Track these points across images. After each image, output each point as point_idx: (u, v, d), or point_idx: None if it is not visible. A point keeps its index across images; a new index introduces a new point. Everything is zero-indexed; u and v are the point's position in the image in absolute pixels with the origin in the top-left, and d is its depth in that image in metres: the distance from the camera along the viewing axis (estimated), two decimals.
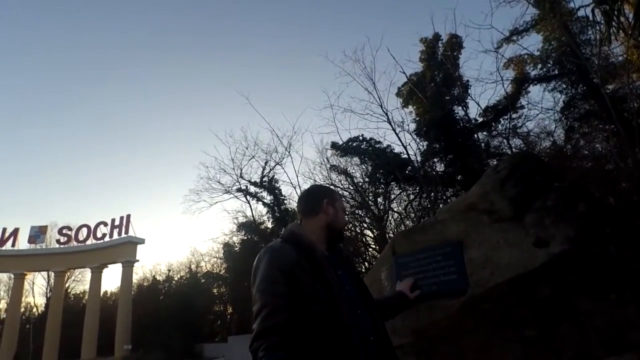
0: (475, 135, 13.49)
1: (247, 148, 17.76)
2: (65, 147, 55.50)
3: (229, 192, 18.01)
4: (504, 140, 12.83)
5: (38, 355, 23.76)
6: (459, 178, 14.19)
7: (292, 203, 16.89)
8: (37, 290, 31.15)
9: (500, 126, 13.50)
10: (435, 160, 15.20)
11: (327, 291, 1.26)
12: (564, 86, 11.93)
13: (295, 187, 16.76)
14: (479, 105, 13.79)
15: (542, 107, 12.48)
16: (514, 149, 12.01)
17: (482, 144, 13.35)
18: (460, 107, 14.34)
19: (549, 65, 11.92)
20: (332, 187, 17.30)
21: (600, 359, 1.58)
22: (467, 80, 14.28)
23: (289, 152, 16.97)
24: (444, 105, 14.02)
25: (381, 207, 16.86)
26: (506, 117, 12.96)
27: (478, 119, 13.94)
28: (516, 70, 12.45)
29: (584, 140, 10.96)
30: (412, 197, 16.32)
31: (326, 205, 1.53)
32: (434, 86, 14.47)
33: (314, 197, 1.58)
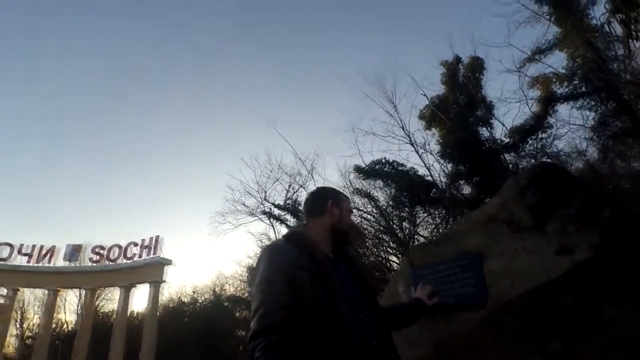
0: (502, 157, 13.12)
1: (271, 171, 18.08)
2: (99, 170, 58.76)
3: (253, 214, 18.24)
4: (533, 161, 12.38)
5: None
6: (486, 200, 13.72)
7: None
8: (68, 307, 32.15)
9: (528, 146, 13.07)
10: (461, 182, 14.84)
11: (327, 292, 1.25)
12: (593, 103, 11.45)
13: None
14: (504, 126, 13.50)
15: (571, 126, 12.01)
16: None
17: (510, 165, 12.94)
18: (485, 128, 14.08)
19: (576, 82, 11.51)
20: (355, 210, 17.29)
21: None
22: (491, 101, 14.10)
23: (311, 175, 17.13)
24: (468, 126, 13.83)
25: (407, 232, 16.45)
26: (534, 137, 12.56)
27: (504, 139, 13.61)
28: (541, 89, 12.15)
29: (620, 159, 10.35)
30: (438, 220, 15.87)
31: (331, 206, 1.52)
32: (457, 107, 14.36)
33: (319, 198, 1.58)
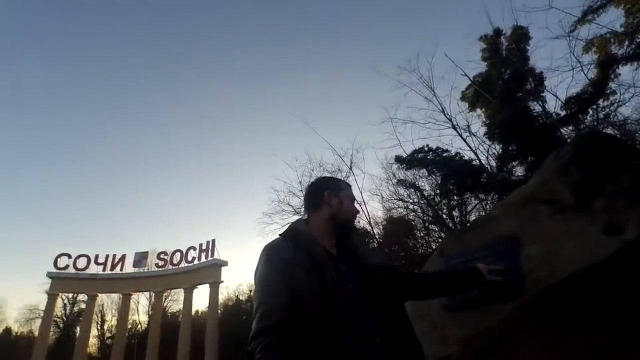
0: (559, 132, 11.88)
1: (312, 170, 18.22)
2: (155, 182, 63.71)
3: (298, 213, 18.54)
4: None
5: None
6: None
7: (361, 221, 16.62)
8: (140, 309, 35.37)
9: (588, 117, 11.68)
10: (513, 164, 13.75)
11: (323, 290, 1.20)
12: None
13: (360, 204, 16.54)
14: (557, 98, 12.20)
15: (637, 89, 10.46)
16: None
17: (568, 140, 11.70)
18: (536, 102, 12.87)
19: (638, 40, 9.99)
20: (400, 202, 16.81)
21: None
22: (540, 72, 12.79)
23: (351, 170, 16.94)
24: (517, 102, 12.72)
25: (457, 221, 15.67)
26: (594, 107, 11.18)
27: (560, 112, 12.30)
28: (598, 52, 10.73)
29: None
30: (490, 206, 14.90)
31: (328, 197, 1.45)
32: (503, 84, 13.28)
33: (315, 190, 1.51)
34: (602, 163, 1.99)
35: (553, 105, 12.61)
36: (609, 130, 10.55)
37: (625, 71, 10.77)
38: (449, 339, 2.06)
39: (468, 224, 14.18)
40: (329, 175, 17.64)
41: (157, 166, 62.44)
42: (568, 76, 11.49)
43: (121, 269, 28.13)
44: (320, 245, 1.33)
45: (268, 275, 1.27)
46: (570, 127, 11.92)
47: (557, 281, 1.66)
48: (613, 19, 10.74)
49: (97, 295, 28.76)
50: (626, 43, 10.07)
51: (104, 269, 27.74)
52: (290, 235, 1.38)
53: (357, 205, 1.56)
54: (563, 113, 12.09)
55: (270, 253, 1.32)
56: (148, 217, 62.68)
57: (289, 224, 1.50)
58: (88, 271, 27.49)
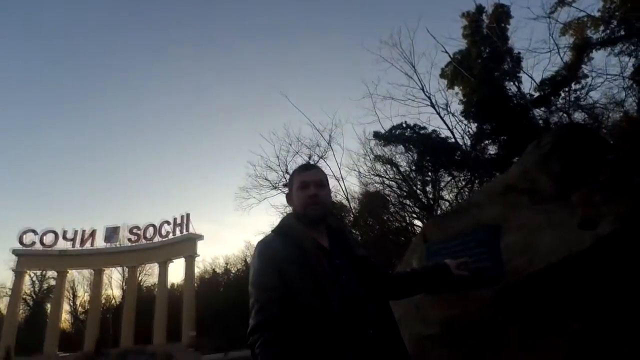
0: (531, 112, 12.28)
1: (290, 144, 18.03)
2: (126, 154, 61.18)
3: (276, 187, 18.47)
4: (565, 115, 11.50)
5: (117, 340, 26.71)
6: (515, 160, 13.09)
7: (338, 196, 16.85)
8: (114, 283, 34.91)
9: (560, 100, 12.11)
10: (486, 142, 14.19)
11: (316, 283, 1.22)
12: (633, 48, 10.24)
13: (338, 180, 16.69)
14: (532, 79, 12.54)
15: (607, 74, 10.88)
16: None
17: (540, 121, 12.13)
18: (512, 83, 13.16)
19: (613, 26, 10.29)
20: (377, 177, 17.08)
21: None
22: (518, 53, 13.02)
23: (330, 145, 16.91)
24: (494, 82, 12.94)
25: (430, 196, 16.19)
26: (566, 89, 11.58)
27: (533, 93, 12.67)
28: (575, 36, 10.99)
29: None
30: (462, 183, 15.45)
31: (288, 196, 1.50)
32: (481, 62, 13.42)
33: (288, 186, 1.53)
34: (581, 156, 2.07)
35: (528, 86, 12.97)
36: (579, 114, 11.03)
37: (598, 56, 11.17)
38: (431, 320, 2.16)
39: (450, 209, 14.73)
40: (306, 148, 17.55)
41: (129, 137, 59.81)
42: (545, 58, 11.79)
43: (92, 245, 27.39)
44: (311, 239, 1.34)
45: (262, 270, 1.28)
46: (543, 109, 12.34)
47: (535, 270, 1.75)
48: (592, 2, 10.94)
49: (68, 272, 28.04)
50: (601, 28, 10.36)
51: (73, 245, 26.89)
52: (282, 230, 1.39)
53: (307, 189, 1.42)
54: (537, 94, 12.45)
55: (264, 249, 1.34)
56: (119, 190, 60.65)
57: (280, 219, 1.49)
58: (56, 247, 26.56)
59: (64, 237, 26.74)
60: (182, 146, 62.43)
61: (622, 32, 10.10)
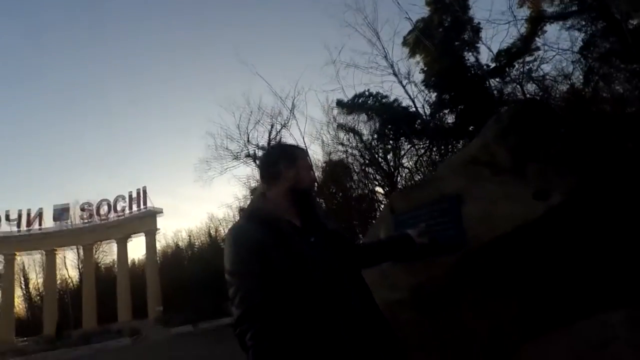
0: (487, 83, 12.80)
1: (251, 113, 17.51)
2: (75, 126, 56.23)
3: (237, 158, 18.09)
4: (518, 87, 12.13)
5: (79, 322, 25.82)
6: (470, 129, 13.73)
7: None
8: (69, 264, 33.15)
9: (514, 71, 12.69)
10: (445, 112, 14.68)
11: (295, 263, 1.21)
12: (583, 23, 10.87)
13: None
14: (490, 50, 12.95)
15: (559, 48, 11.53)
16: (527, 96, 11.37)
17: (495, 92, 12.70)
18: (470, 53, 13.53)
19: (567, 1, 10.82)
20: (340, 145, 17.20)
21: (594, 312, 1.54)
22: (478, 23, 13.29)
23: (293, 113, 16.65)
24: (454, 52, 13.21)
25: (391, 164, 16.70)
26: (520, 61, 12.14)
27: (490, 64, 13.14)
28: (531, 7, 11.39)
29: (604, 82, 10.19)
30: (422, 151, 16.05)
31: (285, 170, 1.39)
32: (443, 32, 13.56)
33: (270, 161, 1.44)
34: (536, 130, 2.21)
35: (486, 57, 13.39)
36: (530, 85, 11.67)
37: (551, 30, 11.71)
38: (399, 286, 2.29)
39: (409, 176, 15.25)
40: (268, 117, 17.13)
41: (75, 107, 54.51)
42: (503, 29, 12.15)
43: (40, 225, 25.51)
44: (284, 220, 1.32)
45: (240, 257, 1.24)
46: (498, 80, 12.89)
47: (493, 237, 1.90)
48: None
49: (16, 255, 26.08)
50: (556, 2, 10.78)
51: (18, 227, 24.88)
52: (254, 214, 1.35)
53: (312, 173, 1.54)
54: (493, 65, 12.92)
55: (239, 234, 1.29)
56: (67, 166, 56.03)
57: (248, 204, 1.44)
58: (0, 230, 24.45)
59: (7, 219, 24.63)
60: (135, 117, 58.26)
61: (575, 8, 10.63)
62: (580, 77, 11.09)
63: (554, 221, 1.69)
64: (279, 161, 1.42)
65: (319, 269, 1.24)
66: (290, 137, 16.92)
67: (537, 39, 11.74)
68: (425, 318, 2.08)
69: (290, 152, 1.48)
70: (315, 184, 1.51)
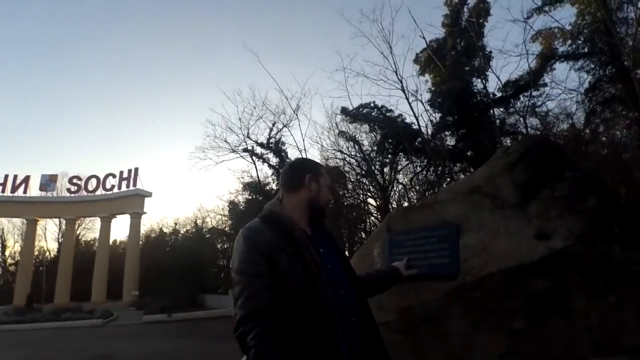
0: (491, 111, 12.96)
1: (254, 108, 17.46)
2: (74, 96, 55.55)
3: (235, 151, 17.97)
4: (521, 119, 12.30)
5: (51, 296, 25.29)
6: (468, 154, 13.87)
7: None
8: (49, 235, 32.57)
9: (519, 103, 12.89)
10: (446, 133, 14.81)
11: (306, 271, 1.22)
12: (592, 66, 11.13)
13: (301, 151, 16.63)
14: (499, 79, 13.12)
15: (565, 87, 11.76)
16: (529, 129, 11.53)
17: (497, 121, 12.86)
18: (479, 80, 13.67)
19: (580, 42, 11.05)
20: (339, 152, 17.25)
21: (588, 359, 1.53)
22: (490, 51, 13.49)
23: (296, 115, 16.64)
24: (463, 76, 13.36)
25: (387, 177, 16.77)
26: (526, 94, 12.31)
27: (496, 93, 13.31)
28: (544, 44, 11.60)
29: (604, 126, 10.42)
30: (418, 169, 16.14)
31: (309, 181, 1.44)
32: (455, 54, 13.72)
33: (297, 171, 1.49)
34: (543, 169, 2.22)
35: (494, 86, 13.58)
36: (533, 119, 11.84)
37: (560, 68, 11.97)
38: (388, 307, 2.27)
39: (404, 192, 15.29)
40: (271, 115, 17.09)
41: (75, 81, 53.86)
42: (513, 61, 12.38)
43: (25, 192, 25.02)
44: (298, 227, 1.34)
45: (250, 257, 1.24)
46: (502, 109, 13.06)
47: (489, 273, 1.89)
48: (565, 16, 11.53)
49: None
50: (568, 42, 11.01)
51: (3, 191, 24.37)
52: (270, 217, 1.35)
53: (329, 192, 1.59)
54: (499, 94, 13.08)
55: (251, 235, 1.29)
56: (60, 134, 55.19)
57: (264, 207, 1.44)
58: None
59: None
60: (135, 97, 57.72)
61: (586, 50, 10.87)
62: (582, 117, 11.36)
63: (553, 263, 1.68)
64: (305, 173, 1.46)
65: (326, 280, 1.25)
66: (291, 137, 16.90)
67: (545, 75, 11.98)
68: (411, 343, 2.05)
69: (316, 167, 1.53)
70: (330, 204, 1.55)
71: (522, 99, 12.67)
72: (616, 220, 1.82)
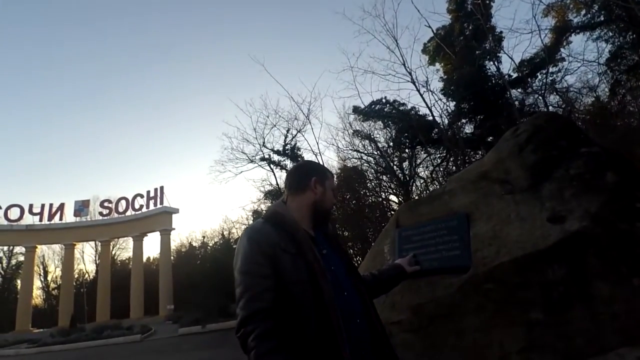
0: (508, 93, 12.42)
1: (267, 117, 17.61)
2: (98, 126, 58.30)
3: (253, 161, 18.15)
4: (540, 98, 11.72)
5: (92, 315, 26.46)
6: (489, 140, 13.37)
7: None
8: (87, 258, 34.22)
9: (536, 82, 12.28)
10: (463, 121, 14.37)
11: (309, 273, 1.20)
12: (611, 34, 10.40)
13: (316, 154, 16.57)
14: (512, 60, 12.57)
15: (584, 59, 11.06)
16: (550, 107, 10.96)
17: (516, 102, 12.32)
18: (492, 62, 13.16)
19: (594, 11, 10.37)
20: (355, 152, 17.12)
21: (614, 349, 1.39)
22: (500, 32, 12.95)
23: (308, 119, 16.64)
24: (474, 60, 12.90)
25: (407, 172, 16.43)
26: (544, 72, 11.72)
27: (512, 74, 12.76)
28: (556, 18, 11.00)
29: (631, 96, 9.72)
30: (438, 161, 15.74)
31: (314, 184, 1.42)
32: (464, 40, 13.31)
33: (303, 173, 1.47)
34: (555, 147, 2.06)
35: (508, 67, 13.08)
36: (553, 97, 11.25)
37: (577, 41, 11.32)
38: (400, 306, 2.18)
39: (424, 186, 14.96)
40: (284, 121, 17.22)
41: (99, 108, 56.62)
42: (526, 39, 11.84)
43: (61, 219, 26.39)
44: (302, 228, 1.32)
45: (253, 258, 1.22)
46: (519, 90, 12.51)
47: (501, 262, 1.76)
48: None
49: (37, 247, 27.02)
50: (583, 12, 10.39)
51: (40, 219, 25.82)
52: (274, 218, 1.33)
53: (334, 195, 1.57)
54: (515, 75, 12.55)
55: (255, 235, 1.28)
56: (90, 164, 58.14)
57: (268, 207, 1.45)
58: (23, 222, 25.41)
59: (31, 212, 25.60)
60: (155, 117, 59.94)
61: (602, 18, 10.20)
62: (607, 89, 10.62)
63: (569, 247, 1.55)
64: (311, 175, 1.45)
65: (329, 281, 1.23)
66: (305, 142, 16.92)
67: (561, 49, 11.35)
68: (424, 342, 1.95)
69: (322, 170, 1.53)
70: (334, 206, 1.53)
71: (539, 76, 12.06)
72: (638, 194, 1.66)
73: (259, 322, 1.13)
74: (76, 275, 31.45)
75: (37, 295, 33.07)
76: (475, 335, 1.80)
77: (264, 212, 1.42)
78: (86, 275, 33.95)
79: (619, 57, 10.28)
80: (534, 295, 1.64)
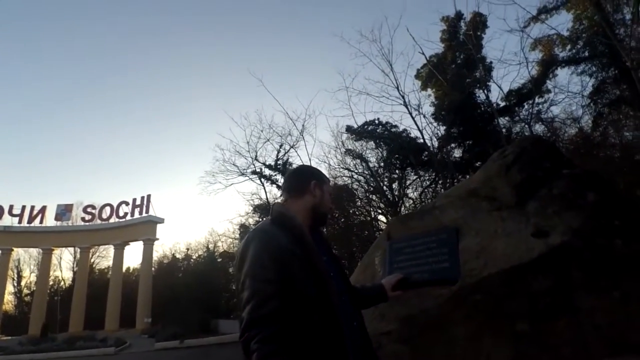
0: (496, 121, 12.89)
1: (262, 131, 17.72)
2: (88, 129, 57.58)
3: (244, 174, 18.12)
4: (526, 126, 12.18)
5: (65, 325, 25.29)
6: (477, 165, 13.71)
7: None
8: (64, 264, 32.95)
9: (523, 111, 12.80)
10: (452, 145, 14.74)
11: (317, 277, 1.21)
12: (594, 69, 11.06)
13: None
14: (501, 89, 13.12)
15: (569, 92, 11.67)
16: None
17: (504, 130, 12.76)
18: (481, 91, 13.69)
19: (579, 46, 11.06)
20: (346, 170, 17.31)
21: (601, 359, 1.45)
22: (490, 62, 13.58)
23: (302, 135, 16.83)
24: (465, 88, 13.41)
25: (396, 193, 16.61)
26: (530, 102, 12.26)
27: (500, 103, 13.29)
28: (543, 52, 11.64)
29: (613, 128, 10.22)
30: (427, 183, 15.98)
31: (313, 187, 1.45)
32: (455, 68, 13.84)
33: (303, 177, 1.50)
34: (540, 168, 2.19)
35: (496, 95, 13.61)
36: (539, 126, 11.72)
37: (562, 74, 11.93)
38: (389, 317, 2.21)
39: (414, 207, 15.14)
40: (278, 137, 17.34)
41: (88, 112, 56.03)
42: (514, 70, 12.38)
43: (41, 222, 25.56)
44: (308, 232, 1.33)
45: (261, 261, 1.20)
46: (507, 118, 12.98)
47: (489, 274, 1.83)
48: (562, 22, 11.62)
49: (13, 250, 25.99)
50: (568, 47, 11.02)
51: (20, 221, 24.95)
52: (281, 220, 1.32)
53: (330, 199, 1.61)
54: (503, 104, 13.05)
55: (263, 238, 1.26)
56: (75, 168, 56.92)
57: (272, 208, 1.42)
58: (1, 223, 24.51)
59: (10, 213, 24.70)
60: (147, 125, 59.50)
61: (586, 54, 10.84)
62: (589, 121, 11.17)
63: (553, 260, 1.63)
64: (310, 178, 1.48)
65: (332, 287, 1.24)
66: (298, 158, 17.03)
67: (547, 81, 11.94)
68: (413, 352, 1.98)
69: (320, 175, 1.55)
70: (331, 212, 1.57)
71: (526, 106, 12.61)
72: (618, 214, 1.77)
73: (264, 327, 1.11)
74: (51, 282, 30.21)
75: (9, 300, 31.53)
76: (464, 345, 1.84)
77: (270, 212, 1.39)
78: (62, 283, 32.64)
79: (602, 90, 10.87)
80: (520, 306, 1.70)
